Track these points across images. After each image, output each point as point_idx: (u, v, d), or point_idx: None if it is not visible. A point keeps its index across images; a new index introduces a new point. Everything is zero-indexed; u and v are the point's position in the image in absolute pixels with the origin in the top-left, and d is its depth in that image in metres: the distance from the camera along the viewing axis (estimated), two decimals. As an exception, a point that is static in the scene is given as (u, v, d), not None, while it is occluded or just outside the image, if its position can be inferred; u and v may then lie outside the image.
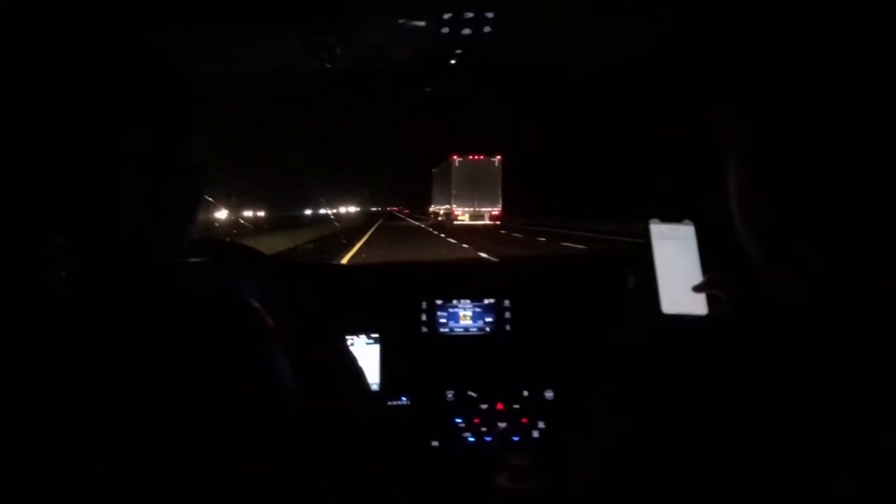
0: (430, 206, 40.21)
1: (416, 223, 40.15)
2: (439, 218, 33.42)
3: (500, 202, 30.24)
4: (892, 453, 0.45)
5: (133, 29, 0.63)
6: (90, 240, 0.57)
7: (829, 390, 0.48)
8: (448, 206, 31.02)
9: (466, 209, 30.10)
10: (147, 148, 0.60)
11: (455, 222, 29.60)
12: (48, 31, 0.57)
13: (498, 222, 29.77)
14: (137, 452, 0.52)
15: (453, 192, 30.16)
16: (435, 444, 1.68)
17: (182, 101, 0.68)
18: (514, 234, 22.13)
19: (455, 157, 30.10)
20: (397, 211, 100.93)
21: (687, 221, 1.03)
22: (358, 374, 1.02)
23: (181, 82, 0.67)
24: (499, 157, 30.12)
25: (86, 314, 0.55)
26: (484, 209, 30.01)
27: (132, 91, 0.60)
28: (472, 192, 29.90)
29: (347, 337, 1.75)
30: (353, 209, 59.80)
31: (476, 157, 30.15)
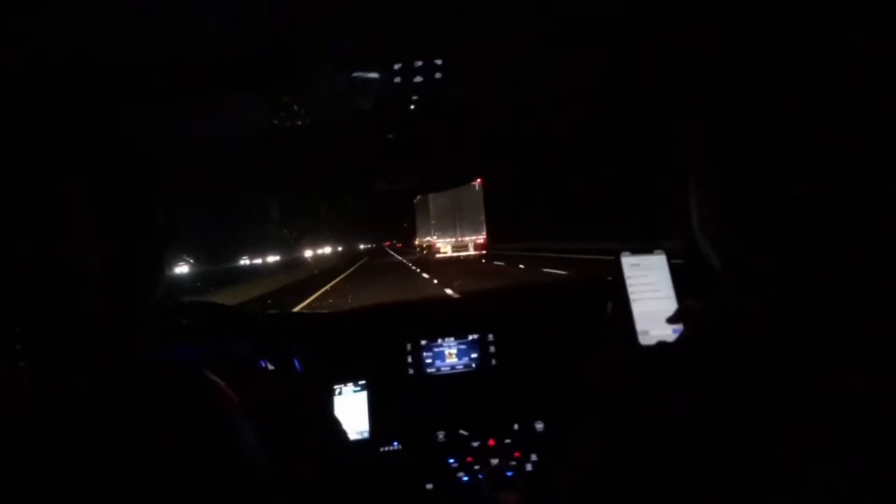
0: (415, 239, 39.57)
1: (400, 258, 39.70)
2: (424, 251, 32.43)
3: (485, 229, 29.24)
4: (848, 461, 0.47)
5: (83, 103, 0.64)
6: (52, 322, 0.57)
7: (785, 401, 0.50)
8: (430, 238, 30.20)
9: (448, 240, 29.15)
10: (104, 223, 0.61)
11: (437, 255, 28.58)
12: None
13: (484, 251, 28.78)
14: None
15: (433, 222, 29.28)
16: (430, 486, 1.66)
17: (139, 171, 0.69)
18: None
19: None
20: (388, 246, 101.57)
21: (658, 251, 1.03)
22: (338, 431, 1.01)
23: (135, 152, 0.68)
24: (479, 180, 28.29)
25: (47, 401, 0.54)
26: (467, 238, 29.03)
27: (85, 170, 0.61)
28: (454, 220, 28.99)
29: (335, 386, 1.73)
30: (328, 250, 57.41)
31: None
